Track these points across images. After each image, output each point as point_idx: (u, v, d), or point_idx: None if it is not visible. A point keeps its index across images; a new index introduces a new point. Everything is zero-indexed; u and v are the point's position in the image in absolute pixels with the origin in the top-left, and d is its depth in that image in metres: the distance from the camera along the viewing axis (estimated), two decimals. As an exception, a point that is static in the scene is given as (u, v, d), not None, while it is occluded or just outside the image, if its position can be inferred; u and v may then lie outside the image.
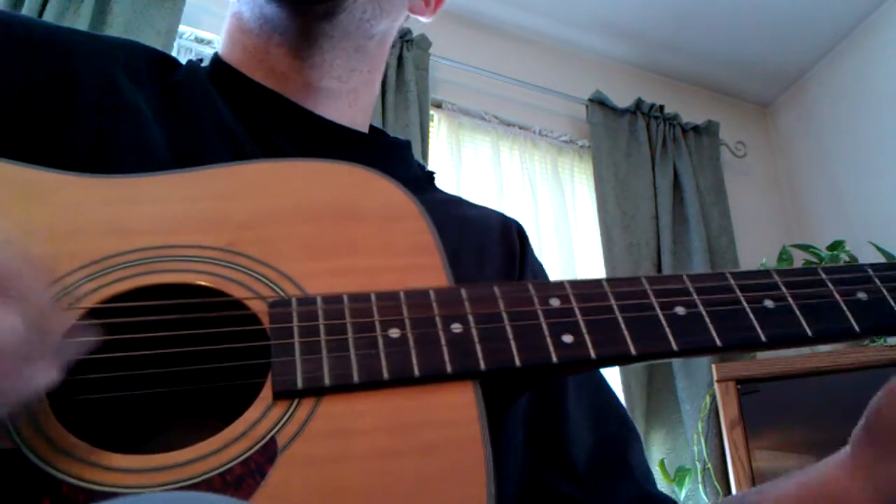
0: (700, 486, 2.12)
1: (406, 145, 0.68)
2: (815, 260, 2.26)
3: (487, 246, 0.62)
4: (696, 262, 2.50)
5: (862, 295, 0.44)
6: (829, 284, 0.44)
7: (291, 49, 0.59)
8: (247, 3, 0.60)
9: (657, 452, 2.22)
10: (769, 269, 0.45)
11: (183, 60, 0.62)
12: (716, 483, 2.09)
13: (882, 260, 2.11)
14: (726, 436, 1.94)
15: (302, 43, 0.59)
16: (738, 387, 1.98)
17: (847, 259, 2.24)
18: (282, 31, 0.58)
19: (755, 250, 2.64)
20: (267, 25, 0.59)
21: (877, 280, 0.44)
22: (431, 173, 0.69)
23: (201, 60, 0.65)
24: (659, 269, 2.48)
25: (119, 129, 0.50)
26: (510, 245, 0.64)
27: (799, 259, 2.33)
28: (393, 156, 0.65)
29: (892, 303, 0.43)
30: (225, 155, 0.53)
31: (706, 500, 2.10)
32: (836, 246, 2.25)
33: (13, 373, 0.29)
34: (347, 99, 0.62)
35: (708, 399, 2.18)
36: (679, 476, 2.13)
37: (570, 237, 2.47)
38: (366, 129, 0.66)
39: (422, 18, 0.71)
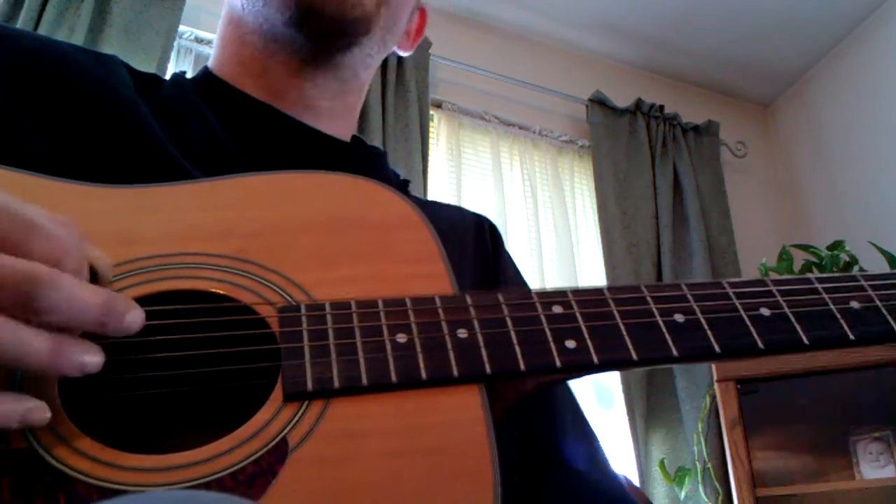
0: (700, 487, 2.12)
1: (382, 155, 0.71)
2: (815, 260, 2.25)
3: (465, 246, 0.65)
4: (696, 262, 2.50)
5: (854, 304, 0.45)
6: (823, 292, 0.45)
7: (294, 69, 0.61)
8: (253, 15, 0.60)
9: (657, 452, 2.22)
10: (764, 278, 0.46)
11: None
12: (716, 483, 2.09)
13: (882, 260, 2.12)
14: (726, 436, 1.95)
15: (308, 67, 0.61)
16: (738, 387, 1.99)
17: (847, 259, 2.24)
18: (291, 53, 0.60)
19: (755, 250, 2.64)
20: (275, 44, 0.60)
21: (868, 288, 0.45)
22: (406, 181, 0.72)
23: (184, 73, 0.66)
24: (659, 269, 2.48)
25: (118, 120, 0.51)
26: (483, 245, 0.67)
27: (799, 259, 2.32)
28: (373, 165, 0.68)
29: (886, 312, 0.44)
30: (216, 166, 0.53)
31: (706, 500, 2.10)
32: (836, 246, 2.24)
33: None
34: (334, 116, 0.65)
35: (708, 399, 2.18)
36: (679, 476, 2.14)
37: (570, 237, 2.48)
38: (348, 139, 0.68)
39: (402, 53, 0.75)
